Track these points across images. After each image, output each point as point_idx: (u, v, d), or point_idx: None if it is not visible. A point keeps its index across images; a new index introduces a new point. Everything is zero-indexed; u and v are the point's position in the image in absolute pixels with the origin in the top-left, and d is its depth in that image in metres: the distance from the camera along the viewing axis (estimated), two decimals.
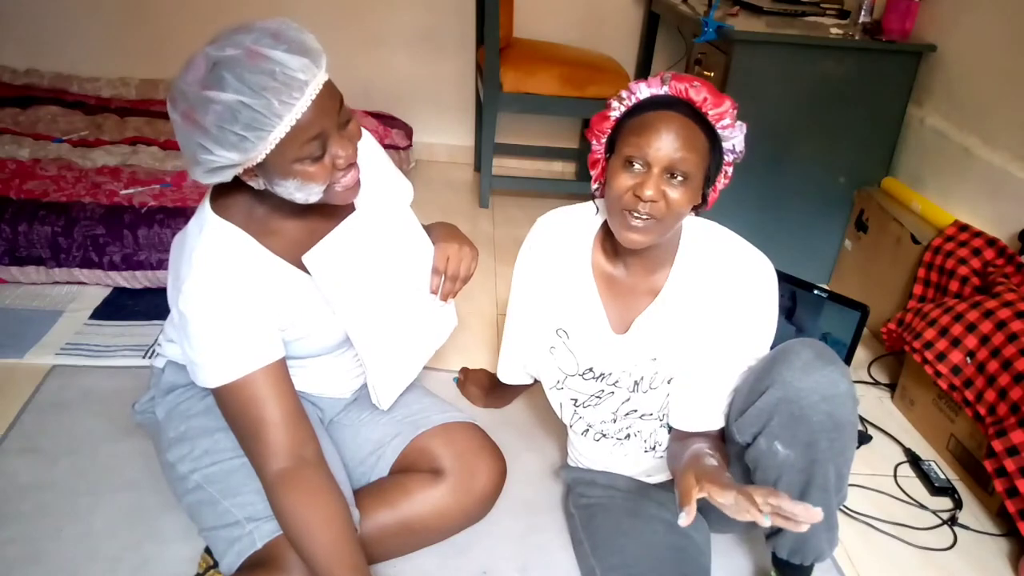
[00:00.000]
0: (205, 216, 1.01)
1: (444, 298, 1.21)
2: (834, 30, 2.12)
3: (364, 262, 1.09)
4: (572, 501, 1.29)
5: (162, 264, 1.83)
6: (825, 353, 0.98)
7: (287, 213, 1.03)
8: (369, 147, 1.15)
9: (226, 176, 0.92)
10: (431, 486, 1.17)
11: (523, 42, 2.67)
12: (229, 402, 0.99)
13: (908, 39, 2.09)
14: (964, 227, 1.79)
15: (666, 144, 0.97)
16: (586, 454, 1.28)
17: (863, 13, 2.19)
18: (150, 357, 1.25)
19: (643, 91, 1.02)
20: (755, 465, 1.04)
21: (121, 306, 1.82)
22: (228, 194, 1.01)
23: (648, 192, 0.97)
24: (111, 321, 1.76)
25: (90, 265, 1.84)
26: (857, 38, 2.08)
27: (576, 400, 1.22)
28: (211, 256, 0.98)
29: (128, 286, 1.88)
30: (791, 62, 2.03)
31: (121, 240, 1.83)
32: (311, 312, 1.08)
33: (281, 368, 1.01)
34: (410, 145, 2.73)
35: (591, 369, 1.16)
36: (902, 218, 1.97)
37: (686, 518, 0.88)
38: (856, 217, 2.15)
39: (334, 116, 0.92)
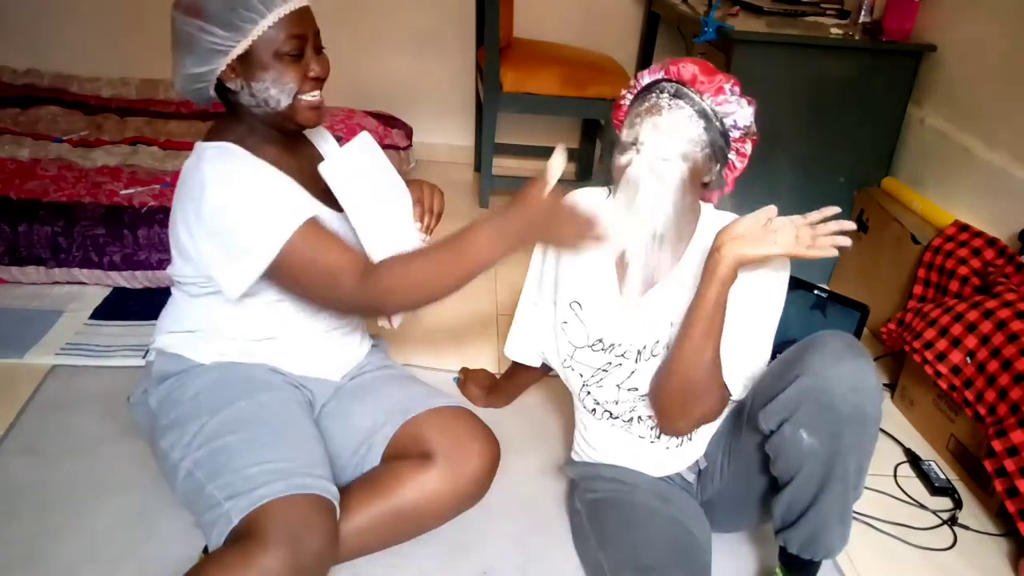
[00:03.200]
0: (200, 147, 1.12)
1: (427, 230, 1.29)
2: (834, 30, 2.12)
3: (369, 177, 1.18)
4: (578, 496, 1.29)
5: (162, 264, 1.83)
6: (855, 345, 1.00)
7: (273, 146, 1.14)
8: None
9: (214, 64, 1.04)
10: (422, 471, 1.17)
11: (523, 42, 2.67)
12: (290, 259, 1.05)
13: (908, 39, 2.09)
14: (964, 227, 1.79)
15: (649, 128, 1.03)
16: (594, 444, 1.28)
17: (863, 13, 2.19)
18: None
19: (645, 78, 1.08)
20: (777, 454, 1.04)
21: (121, 306, 1.82)
22: (218, 132, 1.14)
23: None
24: (111, 321, 1.76)
25: (90, 265, 1.84)
26: (857, 38, 2.08)
27: (583, 375, 1.22)
28: (222, 158, 1.09)
29: (128, 286, 1.88)
30: (791, 62, 2.03)
31: (121, 240, 1.83)
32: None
33: (320, 223, 1.09)
34: (410, 145, 2.73)
35: (600, 340, 1.18)
36: (902, 218, 1.97)
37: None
38: (856, 217, 2.15)
39: (313, 32, 1.09)
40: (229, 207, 1.05)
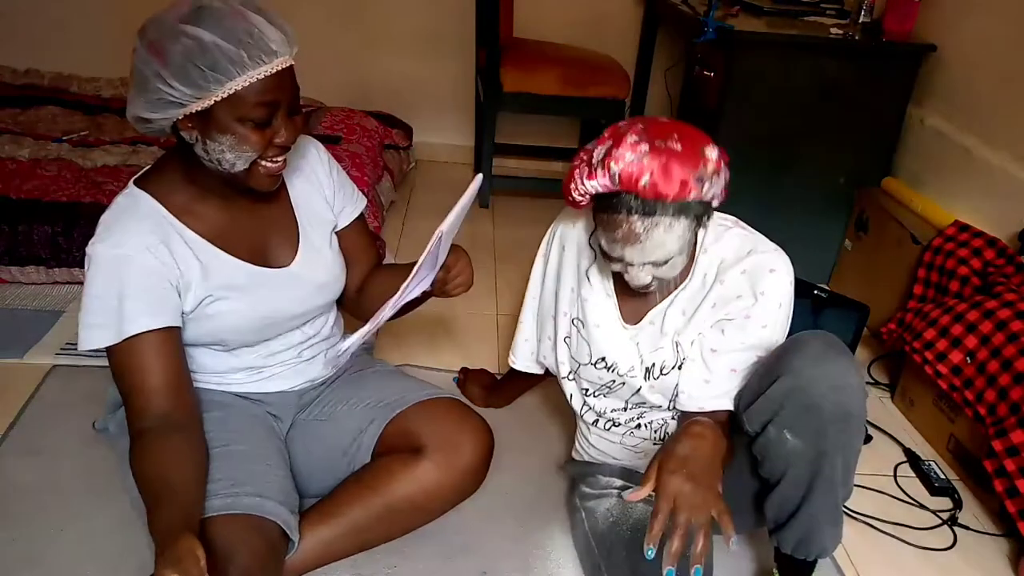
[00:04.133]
0: (128, 186, 1.05)
1: (428, 294, 1.18)
2: (834, 30, 2.12)
3: (451, 229, 1.08)
4: (576, 495, 1.29)
5: None
6: (836, 345, 0.99)
7: (212, 198, 1.07)
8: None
9: (167, 115, 0.94)
10: (414, 464, 1.16)
11: (523, 42, 2.67)
12: (114, 363, 1.01)
13: (908, 39, 2.09)
14: (964, 227, 1.79)
15: (635, 254, 0.99)
16: (596, 444, 1.28)
17: (863, 13, 2.19)
18: None
19: (594, 187, 0.96)
20: (763, 455, 1.04)
21: None
22: (154, 173, 1.06)
23: (637, 283, 1.03)
24: None
25: None
26: (857, 38, 2.08)
27: (587, 390, 1.22)
28: (118, 218, 1.01)
29: None
30: (791, 62, 2.03)
31: None
32: (226, 288, 1.08)
33: (168, 337, 1.02)
34: (410, 145, 2.73)
35: (603, 359, 1.17)
36: (902, 218, 1.97)
37: (631, 494, 0.93)
38: (856, 217, 2.15)
39: (290, 97, 0.98)
40: (88, 279, 1.00)
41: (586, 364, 1.19)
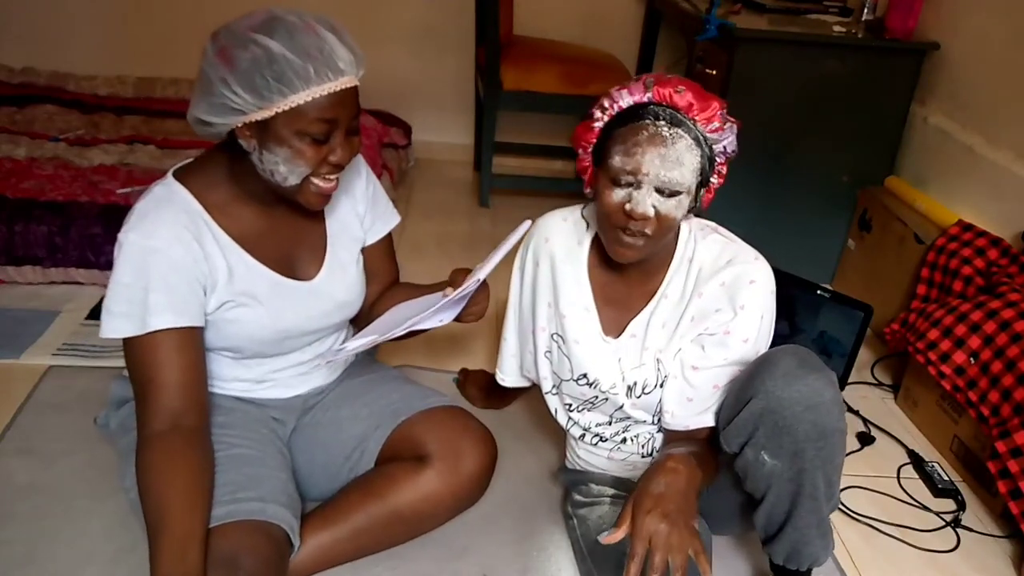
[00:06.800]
0: (166, 177, 1.05)
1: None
2: (837, 28, 2.11)
3: (488, 267, 1.09)
4: (569, 503, 1.28)
5: None
6: (808, 360, 0.96)
7: (251, 202, 1.06)
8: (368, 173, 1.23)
9: (228, 120, 0.94)
10: (417, 472, 1.16)
11: (523, 39, 2.66)
12: (131, 355, 1.00)
13: (911, 37, 2.08)
14: (968, 227, 1.78)
15: (654, 161, 0.96)
16: (584, 458, 1.28)
17: (866, 11, 2.18)
18: None
19: (625, 99, 1.00)
20: (744, 474, 1.03)
21: None
22: (195, 168, 1.06)
23: (639, 211, 0.97)
24: None
25: (87, 265, 1.83)
26: (860, 36, 2.07)
27: (570, 405, 1.21)
28: (153, 209, 1.01)
29: None
30: (794, 60, 2.02)
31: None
32: (247, 295, 1.07)
33: (189, 336, 1.01)
34: (409, 143, 2.72)
35: (585, 375, 1.16)
36: (906, 217, 1.96)
37: (606, 536, 0.91)
38: (859, 216, 2.14)
39: (350, 117, 0.99)
40: (116, 267, 0.99)
41: (568, 380, 1.18)
